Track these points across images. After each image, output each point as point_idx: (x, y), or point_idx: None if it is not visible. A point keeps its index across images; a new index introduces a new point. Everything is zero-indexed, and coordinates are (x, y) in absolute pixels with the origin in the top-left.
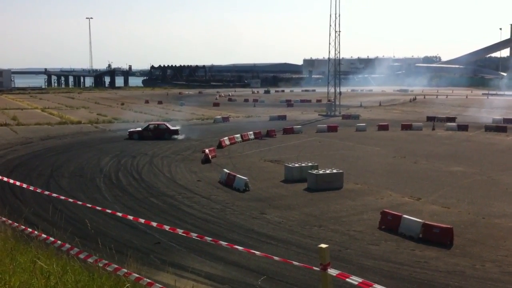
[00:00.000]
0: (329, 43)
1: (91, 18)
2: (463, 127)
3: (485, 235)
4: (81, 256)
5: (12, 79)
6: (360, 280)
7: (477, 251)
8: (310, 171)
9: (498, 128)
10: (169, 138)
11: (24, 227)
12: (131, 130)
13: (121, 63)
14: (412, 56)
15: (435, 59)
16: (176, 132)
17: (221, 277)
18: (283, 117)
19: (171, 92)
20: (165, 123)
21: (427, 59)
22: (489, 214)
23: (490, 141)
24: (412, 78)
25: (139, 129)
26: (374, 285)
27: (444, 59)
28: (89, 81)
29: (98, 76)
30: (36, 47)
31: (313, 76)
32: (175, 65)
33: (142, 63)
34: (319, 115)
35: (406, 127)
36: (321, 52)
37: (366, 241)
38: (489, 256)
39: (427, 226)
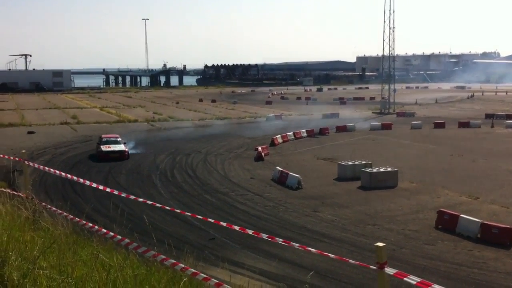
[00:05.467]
0: (383, 40)
1: (147, 19)
2: None
3: None
4: (140, 250)
5: (72, 79)
6: (418, 279)
7: None
8: (363, 169)
9: None
10: None
11: (84, 222)
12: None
13: (176, 63)
14: (470, 52)
15: (494, 55)
16: None
17: (275, 274)
18: (336, 115)
19: (224, 90)
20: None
21: (486, 55)
22: None
23: None
24: (470, 74)
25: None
26: (433, 285)
27: (503, 54)
28: (145, 81)
29: (154, 76)
30: (94, 48)
31: (366, 73)
32: (228, 64)
33: (196, 63)
34: (373, 112)
35: (464, 124)
36: (374, 49)
37: (422, 240)
38: None
39: (486, 226)
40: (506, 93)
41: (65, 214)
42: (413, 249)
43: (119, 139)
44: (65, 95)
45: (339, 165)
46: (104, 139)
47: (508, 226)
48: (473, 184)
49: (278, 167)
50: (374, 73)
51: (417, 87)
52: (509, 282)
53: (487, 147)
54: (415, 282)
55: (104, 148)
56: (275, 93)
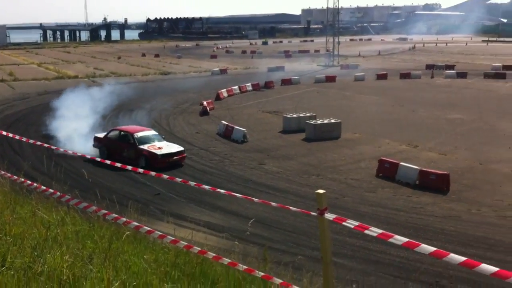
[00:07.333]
0: None
1: None
2: (462, 75)
3: (481, 180)
4: (81, 206)
5: (7, 35)
6: (356, 223)
7: (473, 196)
8: (308, 122)
9: (497, 75)
10: None
11: (23, 179)
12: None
13: (116, 17)
14: (412, 4)
15: (436, 7)
16: None
17: (220, 225)
18: (281, 68)
19: (167, 44)
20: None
21: (428, 7)
22: (486, 160)
23: (489, 88)
24: (412, 26)
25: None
26: (370, 228)
27: (444, 6)
28: (84, 35)
29: (94, 30)
30: (31, 2)
31: (311, 26)
32: (172, 18)
33: (138, 16)
34: (317, 65)
35: (405, 75)
36: (319, 1)
37: (364, 188)
38: (485, 200)
39: (424, 173)
40: (446, 44)
41: (3, 172)
42: (354, 197)
43: (155, 133)
44: (0, 51)
45: (284, 118)
46: (138, 136)
47: (444, 172)
48: (412, 133)
49: (223, 121)
50: (319, 26)
51: (360, 40)
52: (444, 225)
53: (427, 97)
54: (353, 226)
55: (154, 150)
56: (220, 47)
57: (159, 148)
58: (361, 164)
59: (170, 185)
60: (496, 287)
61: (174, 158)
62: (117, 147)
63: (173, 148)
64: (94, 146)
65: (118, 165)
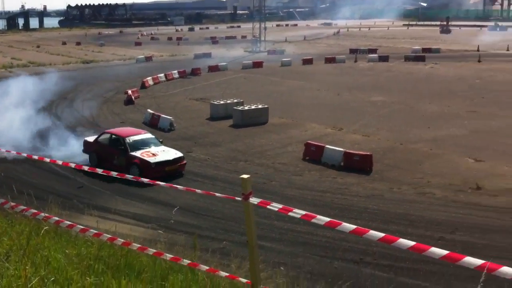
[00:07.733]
0: None
1: None
2: (384, 58)
3: (402, 160)
4: None
5: None
6: (280, 206)
7: (394, 175)
8: (235, 108)
9: (417, 57)
10: None
11: None
12: None
13: (35, 4)
14: None
15: None
16: None
17: (147, 216)
18: (208, 55)
19: (89, 32)
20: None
21: None
22: (406, 140)
23: (409, 70)
24: (336, 11)
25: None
26: (293, 210)
27: None
28: (1, 24)
29: (11, 18)
30: None
31: (238, 12)
32: (94, 4)
33: (58, 3)
34: (244, 51)
35: (330, 60)
36: None
37: (291, 172)
38: (406, 179)
39: (348, 154)
40: (369, 29)
41: None
42: (282, 181)
43: (151, 137)
44: None
45: (212, 105)
46: (130, 141)
47: (368, 153)
48: (338, 116)
49: (149, 110)
50: (246, 12)
51: (287, 25)
52: (368, 204)
53: (351, 80)
54: (277, 209)
55: (148, 157)
56: (145, 34)
57: (154, 155)
58: (288, 148)
59: (94, 178)
60: (417, 261)
61: (173, 166)
62: (108, 153)
63: (170, 154)
64: (84, 151)
65: (36, 157)
